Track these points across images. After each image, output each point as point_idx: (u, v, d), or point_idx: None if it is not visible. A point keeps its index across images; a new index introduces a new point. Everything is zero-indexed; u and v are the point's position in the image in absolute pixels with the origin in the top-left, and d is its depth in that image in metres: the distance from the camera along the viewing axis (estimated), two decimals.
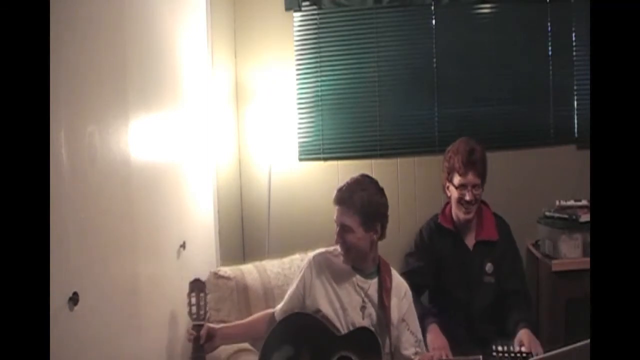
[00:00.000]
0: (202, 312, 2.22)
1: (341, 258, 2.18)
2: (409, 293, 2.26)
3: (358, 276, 2.18)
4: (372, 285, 2.18)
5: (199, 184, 2.75)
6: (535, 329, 2.53)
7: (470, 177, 2.64)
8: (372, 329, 2.12)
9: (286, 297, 2.24)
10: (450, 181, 2.70)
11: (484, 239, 2.71)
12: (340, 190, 2.17)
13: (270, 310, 2.31)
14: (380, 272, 2.20)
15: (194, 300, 2.24)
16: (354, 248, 2.13)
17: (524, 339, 2.35)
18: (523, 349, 2.01)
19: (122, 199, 1.92)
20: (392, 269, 2.26)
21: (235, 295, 2.56)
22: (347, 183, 2.18)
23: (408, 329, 2.19)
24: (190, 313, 2.23)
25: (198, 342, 2.14)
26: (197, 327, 2.19)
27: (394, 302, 2.18)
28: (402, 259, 2.84)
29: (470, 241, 2.75)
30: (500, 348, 2.02)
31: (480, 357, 2.00)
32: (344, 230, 2.13)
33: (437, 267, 2.72)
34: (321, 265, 2.20)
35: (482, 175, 2.69)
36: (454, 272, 2.70)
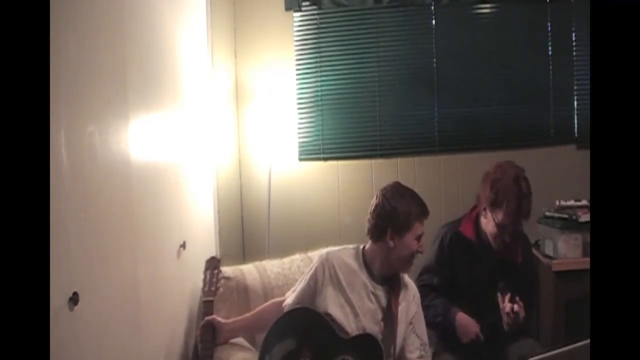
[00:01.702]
0: (212, 289, 2.32)
1: (360, 259, 2.18)
2: (418, 296, 2.25)
3: (371, 281, 2.15)
4: (384, 291, 2.16)
5: (199, 184, 2.75)
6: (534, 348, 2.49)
7: (517, 225, 2.50)
8: (380, 336, 2.11)
9: (297, 292, 2.21)
10: (492, 211, 2.50)
11: (506, 258, 2.58)
12: (424, 205, 2.18)
13: (277, 300, 2.30)
14: (392, 278, 2.18)
15: (208, 277, 2.36)
16: None
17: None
18: None
19: (122, 199, 1.92)
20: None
21: (235, 295, 2.55)
22: (415, 194, 2.21)
23: (414, 332, 2.18)
24: (202, 289, 2.34)
25: (205, 336, 2.21)
26: (207, 303, 2.32)
27: (402, 306, 2.16)
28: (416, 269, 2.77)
29: (489, 256, 2.61)
30: None
31: None
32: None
33: (453, 279, 2.60)
34: (334, 265, 2.16)
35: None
36: (469, 285, 2.59)
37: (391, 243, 2.11)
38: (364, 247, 2.21)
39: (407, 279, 2.26)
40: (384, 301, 2.15)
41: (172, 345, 2.37)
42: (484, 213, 2.56)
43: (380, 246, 2.15)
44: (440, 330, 2.51)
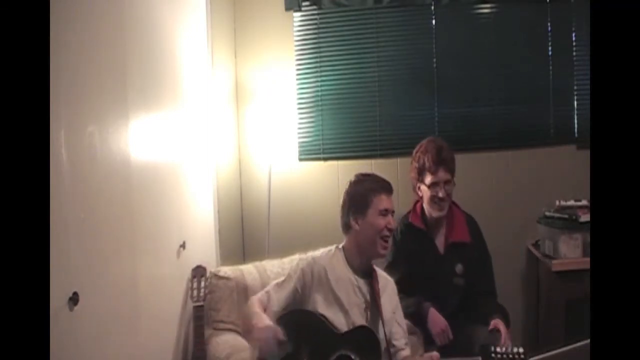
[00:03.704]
0: (201, 295, 2.45)
1: (341, 256, 2.19)
2: (394, 286, 2.29)
3: (354, 275, 2.18)
4: (366, 284, 2.19)
5: (199, 184, 2.75)
6: (507, 321, 2.60)
7: (442, 174, 2.69)
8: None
9: (283, 300, 2.15)
10: (422, 181, 2.75)
11: (456, 240, 2.74)
12: (385, 181, 2.21)
13: (254, 298, 2.20)
14: (371, 270, 2.21)
15: (195, 284, 2.47)
16: None
17: (498, 325, 2.49)
18: (520, 350, 2.01)
19: (122, 199, 1.92)
20: (375, 267, 2.27)
21: (235, 295, 2.56)
22: (377, 175, 2.25)
23: (397, 321, 2.22)
24: (191, 296, 2.45)
25: (198, 338, 2.26)
26: (198, 308, 2.42)
27: (384, 298, 2.19)
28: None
29: (440, 242, 2.78)
30: (499, 349, 2.02)
31: (480, 358, 2.00)
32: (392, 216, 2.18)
33: (411, 269, 2.72)
34: (323, 267, 2.17)
35: (452, 171, 2.74)
36: (425, 273, 2.71)
37: (356, 226, 2.15)
38: (343, 245, 2.23)
39: (383, 273, 2.29)
40: (368, 294, 2.17)
41: (171, 345, 2.37)
42: (419, 192, 2.78)
43: (351, 236, 2.19)
44: (413, 320, 2.59)
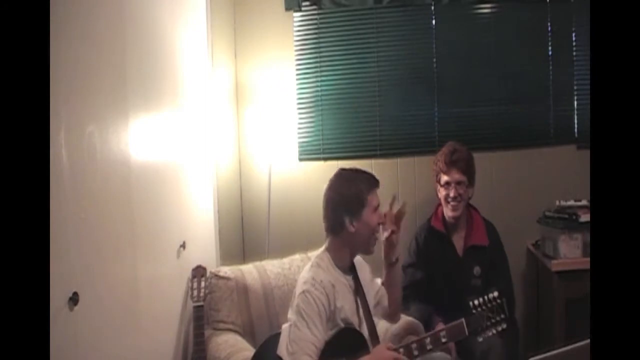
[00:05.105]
0: (201, 295, 2.46)
1: (329, 262, 2.10)
2: (367, 267, 2.25)
3: (345, 276, 2.12)
4: (352, 279, 2.15)
5: (199, 184, 2.75)
6: (514, 331, 2.62)
7: (454, 175, 2.81)
8: (364, 323, 2.11)
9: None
10: (438, 182, 2.89)
11: (475, 243, 2.81)
12: (372, 175, 2.14)
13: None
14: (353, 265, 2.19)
15: (195, 284, 2.48)
16: None
17: None
18: (495, 294, 2.01)
19: (122, 198, 1.92)
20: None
21: (235, 295, 2.56)
22: (362, 170, 2.19)
23: (381, 294, 2.28)
24: (191, 296, 2.45)
25: (198, 338, 2.26)
26: (198, 308, 2.42)
27: (368, 281, 2.21)
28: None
29: (460, 245, 2.84)
30: (476, 302, 2.02)
31: (463, 320, 1.99)
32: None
33: (430, 271, 2.76)
34: (321, 292, 2.00)
35: (465, 172, 2.82)
36: (444, 275, 2.76)
37: (352, 228, 2.05)
38: (325, 249, 2.13)
39: (358, 257, 2.21)
40: (356, 288, 2.15)
41: (171, 345, 2.37)
42: (439, 194, 2.91)
43: (342, 237, 2.08)
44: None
